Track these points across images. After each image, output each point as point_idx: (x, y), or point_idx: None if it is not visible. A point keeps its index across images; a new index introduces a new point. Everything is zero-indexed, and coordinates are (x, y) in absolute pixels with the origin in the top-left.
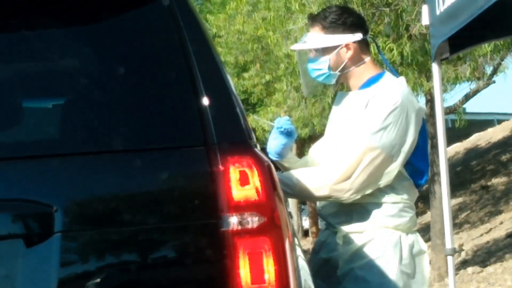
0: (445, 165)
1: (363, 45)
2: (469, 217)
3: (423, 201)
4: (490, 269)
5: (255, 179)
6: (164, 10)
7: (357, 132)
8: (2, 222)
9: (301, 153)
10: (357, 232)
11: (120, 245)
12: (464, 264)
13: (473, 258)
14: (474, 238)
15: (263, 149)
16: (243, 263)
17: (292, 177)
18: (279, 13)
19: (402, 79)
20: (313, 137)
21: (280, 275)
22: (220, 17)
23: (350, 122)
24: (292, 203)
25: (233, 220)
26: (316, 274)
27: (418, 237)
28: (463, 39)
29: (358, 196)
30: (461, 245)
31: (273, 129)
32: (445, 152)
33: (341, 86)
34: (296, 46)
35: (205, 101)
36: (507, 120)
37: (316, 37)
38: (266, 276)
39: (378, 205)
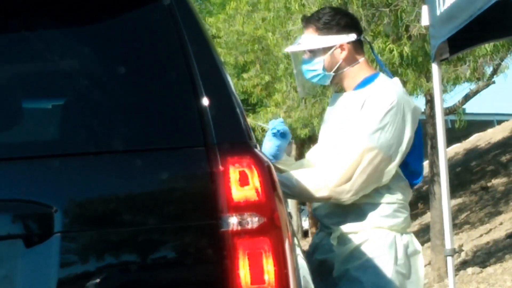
0: (445, 165)
1: (357, 46)
2: (469, 217)
3: (423, 202)
4: (490, 269)
5: (255, 180)
6: (164, 11)
7: (355, 132)
8: (2, 222)
9: (301, 153)
10: (352, 233)
11: (120, 245)
12: (464, 265)
13: (473, 259)
14: (474, 239)
15: None
16: (242, 263)
17: (291, 178)
18: (279, 13)
19: (396, 79)
20: (313, 138)
21: (279, 276)
22: (219, 18)
23: (346, 123)
24: (291, 203)
25: (233, 221)
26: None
27: (412, 238)
28: (463, 40)
29: (358, 197)
30: (460, 246)
31: (267, 132)
32: (445, 153)
33: (339, 87)
34: (290, 48)
35: (205, 101)
36: (507, 120)
37: (311, 39)
38: (266, 277)
39: (374, 205)
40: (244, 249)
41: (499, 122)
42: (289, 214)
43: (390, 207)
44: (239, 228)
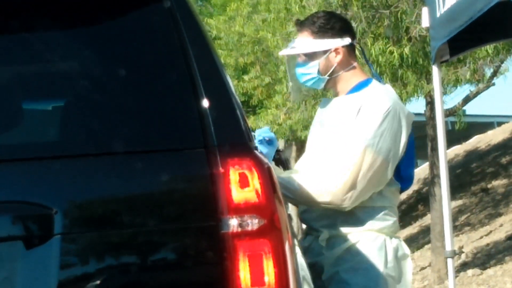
0: (445, 167)
1: (350, 50)
2: (469, 219)
3: (423, 203)
4: (490, 271)
5: (255, 181)
6: (164, 12)
7: (353, 138)
8: (2, 224)
9: (300, 155)
10: (342, 236)
11: (120, 247)
12: (464, 267)
13: (473, 261)
14: (474, 241)
15: None
16: (243, 265)
17: (293, 182)
18: (279, 15)
19: (388, 86)
20: None
21: (280, 277)
22: (220, 19)
23: (340, 127)
24: (291, 205)
25: (233, 222)
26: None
27: (401, 241)
28: (463, 42)
29: (357, 203)
30: (461, 248)
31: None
32: (445, 154)
33: (332, 91)
34: (285, 52)
35: (205, 103)
36: (507, 122)
37: (305, 42)
38: (266, 278)
39: (364, 208)
40: (244, 251)
41: (499, 124)
42: (289, 216)
43: (380, 211)
44: (239, 229)
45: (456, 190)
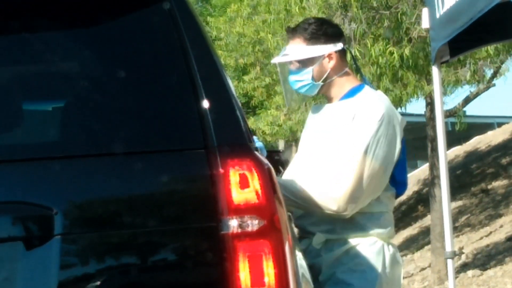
0: (445, 168)
1: (342, 55)
2: (469, 220)
3: (423, 204)
4: (490, 272)
5: (255, 182)
6: (164, 13)
7: (351, 145)
8: (2, 224)
9: None
10: (340, 239)
11: (120, 247)
12: (464, 267)
13: (473, 261)
14: (474, 241)
15: None
16: (243, 266)
17: (296, 185)
18: (279, 16)
19: (380, 92)
20: None
21: (280, 278)
22: (220, 20)
23: (335, 133)
24: None
25: (233, 223)
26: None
27: (396, 249)
28: (463, 42)
29: (357, 210)
30: (461, 248)
31: None
32: (445, 155)
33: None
34: (278, 59)
35: (205, 104)
36: (507, 123)
37: (299, 49)
38: (266, 279)
39: (363, 214)
40: (244, 252)
41: (500, 125)
42: (289, 217)
43: (379, 216)
44: (239, 230)
45: (456, 191)
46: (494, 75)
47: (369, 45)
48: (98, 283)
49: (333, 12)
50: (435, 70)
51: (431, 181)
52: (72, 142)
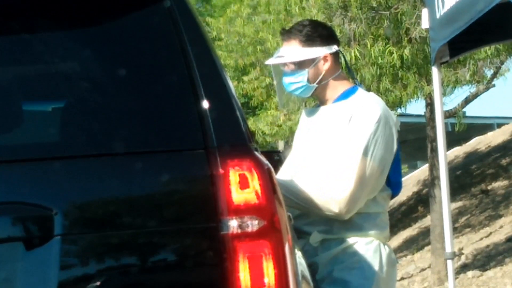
0: (445, 169)
1: (336, 57)
2: (469, 221)
3: (423, 205)
4: (490, 273)
5: (255, 183)
6: (164, 13)
7: (349, 147)
8: (2, 225)
9: None
10: (337, 239)
11: (120, 248)
12: (464, 268)
13: (473, 262)
14: (474, 242)
15: (263, 153)
16: (243, 266)
17: (296, 185)
18: (279, 16)
19: (373, 94)
20: None
21: (280, 279)
22: (220, 20)
23: (333, 134)
24: None
25: (233, 224)
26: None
27: (391, 249)
28: (463, 43)
29: (355, 211)
30: (461, 249)
31: None
32: (445, 156)
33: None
34: (273, 61)
35: (205, 104)
36: (507, 124)
37: (294, 51)
38: (266, 280)
39: (360, 214)
40: (244, 252)
41: (499, 125)
42: (289, 217)
43: (375, 217)
44: (239, 231)
45: (456, 191)
46: (494, 75)
47: (369, 46)
48: (98, 283)
49: (333, 12)
50: (435, 71)
51: (431, 181)
52: (72, 143)
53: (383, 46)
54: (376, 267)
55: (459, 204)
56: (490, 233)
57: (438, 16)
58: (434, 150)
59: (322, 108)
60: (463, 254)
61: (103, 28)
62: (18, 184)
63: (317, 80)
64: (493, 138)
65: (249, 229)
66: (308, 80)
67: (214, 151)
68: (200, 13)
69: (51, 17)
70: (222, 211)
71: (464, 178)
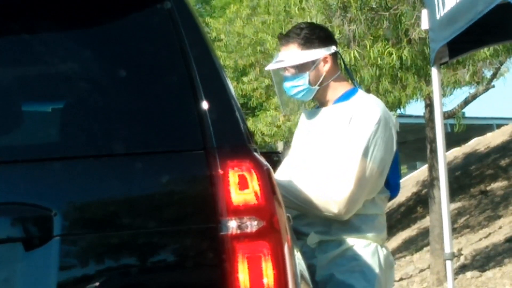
0: (444, 169)
1: (335, 59)
2: (468, 221)
3: (422, 206)
4: (489, 273)
5: (254, 183)
6: (164, 14)
7: (349, 148)
8: (1, 225)
9: None
10: (335, 240)
11: (119, 248)
12: (463, 269)
13: (472, 263)
14: (473, 243)
15: (263, 153)
16: (242, 267)
17: (296, 186)
18: (279, 17)
19: (372, 95)
20: None
21: (279, 280)
22: (220, 21)
23: (333, 135)
24: None
25: (232, 224)
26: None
27: (389, 251)
28: (463, 44)
29: (354, 212)
30: (460, 250)
31: None
32: (444, 157)
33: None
34: (274, 66)
35: (205, 105)
36: (506, 124)
37: (293, 54)
38: (265, 280)
39: (358, 216)
40: (244, 253)
41: (499, 126)
42: (289, 218)
43: (373, 218)
44: (239, 231)
45: (455, 192)
46: (493, 76)
47: (368, 46)
48: (98, 284)
49: (333, 13)
50: (434, 71)
51: (430, 182)
52: (71, 143)
53: (382, 47)
54: (375, 270)
55: (458, 204)
56: (489, 233)
57: (438, 16)
58: (434, 150)
59: (323, 109)
60: (462, 254)
61: (104, 29)
62: (17, 185)
63: (318, 82)
64: (493, 139)
65: (248, 230)
66: (310, 83)
67: (213, 152)
68: (200, 13)
69: (51, 18)
70: (221, 211)
71: (463, 178)
